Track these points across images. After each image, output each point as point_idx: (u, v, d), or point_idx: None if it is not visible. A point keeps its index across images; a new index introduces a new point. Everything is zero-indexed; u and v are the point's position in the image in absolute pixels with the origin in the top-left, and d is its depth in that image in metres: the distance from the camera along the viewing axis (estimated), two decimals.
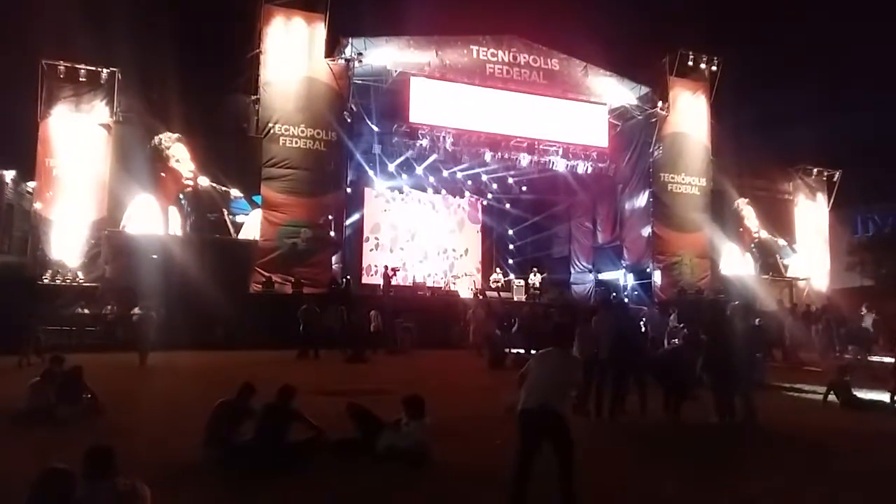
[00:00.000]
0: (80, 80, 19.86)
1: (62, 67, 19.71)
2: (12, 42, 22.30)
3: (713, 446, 8.14)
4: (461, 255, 28.44)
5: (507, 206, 29.06)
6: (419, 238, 27.61)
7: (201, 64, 21.95)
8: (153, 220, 19.80)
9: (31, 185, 21.29)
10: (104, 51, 20.35)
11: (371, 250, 26.78)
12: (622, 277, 26.17)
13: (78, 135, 19.72)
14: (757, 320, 13.07)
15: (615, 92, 25.29)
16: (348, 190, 23.01)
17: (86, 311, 17.54)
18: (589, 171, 25.04)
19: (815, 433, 8.87)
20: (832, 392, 10.96)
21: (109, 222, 19.54)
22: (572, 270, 28.87)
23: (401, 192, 26.98)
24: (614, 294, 23.67)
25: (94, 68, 19.97)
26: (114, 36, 21.04)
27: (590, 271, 28.14)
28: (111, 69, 20.05)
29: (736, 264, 26.40)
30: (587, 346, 9.64)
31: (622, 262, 26.21)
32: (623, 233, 26.34)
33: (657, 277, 24.74)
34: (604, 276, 27.33)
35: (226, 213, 20.45)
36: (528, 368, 5.45)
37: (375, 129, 23.40)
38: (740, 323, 10.20)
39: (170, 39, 22.36)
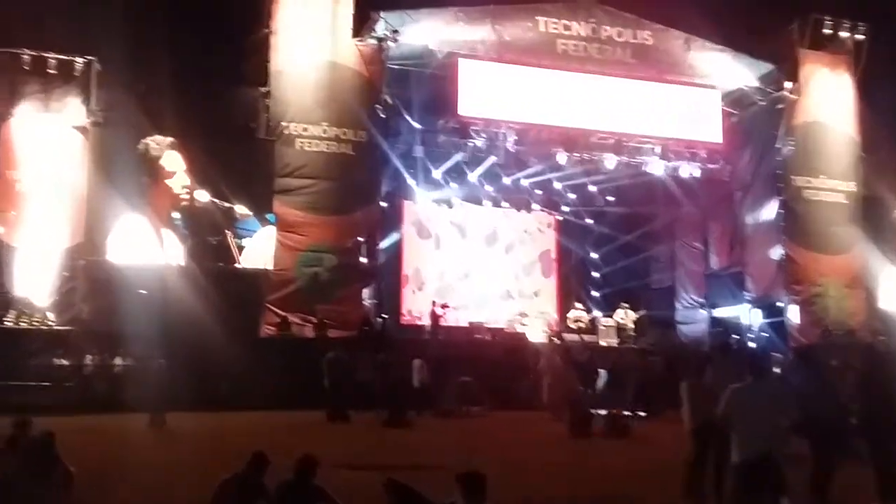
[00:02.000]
0: (49, 71, 20.43)
1: (26, 57, 20.28)
2: None
3: None
4: (529, 286, 28.44)
5: (589, 222, 29.02)
6: (474, 265, 27.73)
7: (197, 50, 22.41)
8: (142, 247, 20.41)
9: None
10: (78, 36, 21.00)
11: (414, 291, 26.91)
12: (745, 315, 25.77)
13: (47, 140, 20.39)
14: None
15: (729, 71, 25.17)
16: (383, 205, 23.23)
17: (62, 361, 18.06)
18: (697, 174, 24.87)
19: None
20: None
21: (87, 249, 20.12)
22: (678, 305, 28.48)
23: (449, 205, 27.12)
24: (736, 337, 23.28)
25: (65, 57, 20.57)
26: (90, 18, 21.84)
27: (701, 306, 27.74)
28: (87, 58, 20.65)
29: None
30: (701, 409, 9.47)
31: (745, 294, 25.86)
32: (745, 255, 26.00)
33: (793, 314, 24.38)
34: (720, 312, 26.99)
35: (230, 235, 20.98)
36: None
37: (417, 126, 23.65)
38: None
39: (158, 21, 23.15)
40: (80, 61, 20.70)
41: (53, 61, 20.50)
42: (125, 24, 21.51)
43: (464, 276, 27.55)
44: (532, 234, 29.10)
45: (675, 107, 24.52)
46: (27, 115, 20.52)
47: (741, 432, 7.47)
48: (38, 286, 19.75)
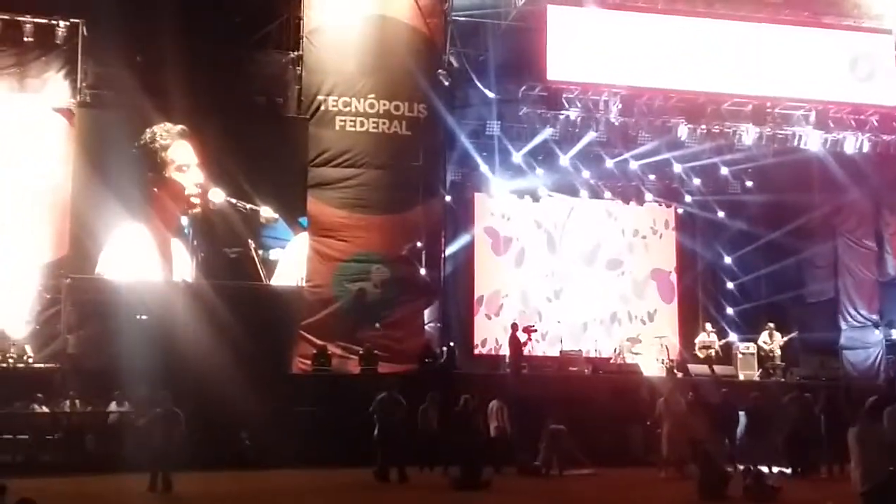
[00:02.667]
0: (25, 39, 20.72)
1: None
2: None
3: None
4: (642, 303, 28.09)
5: (721, 215, 28.46)
6: (568, 275, 27.45)
7: (210, 8, 22.67)
8: (143, 261, 20.55)
9: None
10: None
11: (490, 317, 26.62)
12: None
13: (23, 127, 20.71)
14: None
15: None
16: (448, 199, 23.43)
17: (42, 408, 18.18)
18: (866, 148, 24.41)
19: None
20: None
21: (74, 264, 20.28)
22: (843, 325, 27.63)
23: (535, 197, 26.91)
24: None
25: (45, 20, 20.79)
26: None
27: (875, 325, 26.96)
28: (72, 21, 20.85)
29: None
30: (877, 464, 9.31)
31: None
32: None
33: None
34: None
35: (252, 245, 21.03)
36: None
37: (491, 95, 23.64)
38: None
39: None
40: (63, 25, 20.91)
41: (30, 26, 20.73)
42: None
43: (555, 291, 27.30)
44: (646, 234, 28.74)
45: (834, 59, 24.03)
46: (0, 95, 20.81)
47: None
48: (12, 313, 20.03)
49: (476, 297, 26.62)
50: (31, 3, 20.88)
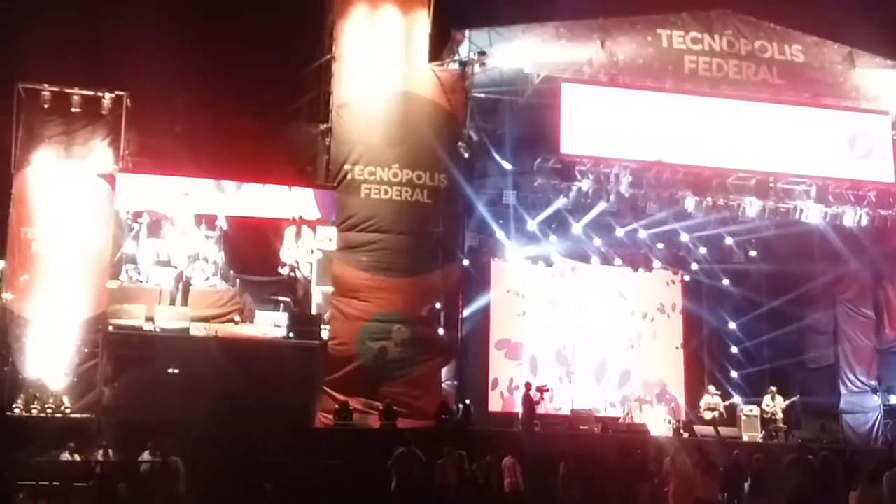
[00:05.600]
0: (73, 110, 21.02)
1: (47, 94, 20.87)
2: None
3: None
4: (648, 365, 27.94)
5: (726, 282, 28.46)
6: (579, 337, 27.41)
7: (244, 80, 23.04)
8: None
9: None
10: (107, 68, 21.91)
11: (510, 368, 26.67)
12: None
13: (69, 191, 20.89)
14: None
15: None
16: (466, 263, 23.32)
17: (75, 456, 18.05)
18: (864, 222, 24.28)
19: None
20: None
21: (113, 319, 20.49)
22: (843, 390, 27.35)
23: (549, 263, 26.93)
24: None
25: (92, 93, 21.13)
26: (120, 45, 22.60)
27: (874, 391, 26.68)
28: (116, 93, 21.17)
29: None
30: None
31: None
32: None
33: None
34: None
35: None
36: None
37: (508, 167, 23.77)
38: None
39: (200, 49, 23.77)
40: (108, 97, 21.20)
41: (77, 97, 21.08)
42: (161, 53, 22.17)
43: (566, 350, 27.25)
44: (653, 298, 28.73)
45: (834, 138, 23.98)
46: (47, 161, 21.05)
47: None
48: (53, 365, 20.11)
49: (491, 350, 26.60)
50: (79, 75, 21.29)
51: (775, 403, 24.82)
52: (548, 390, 23.26)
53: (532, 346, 27.13)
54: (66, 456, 17.86)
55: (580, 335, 27.48)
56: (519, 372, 26.29)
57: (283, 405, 19.37)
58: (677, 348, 28.51)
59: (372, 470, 17.22)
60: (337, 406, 20.18)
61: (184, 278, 21.43)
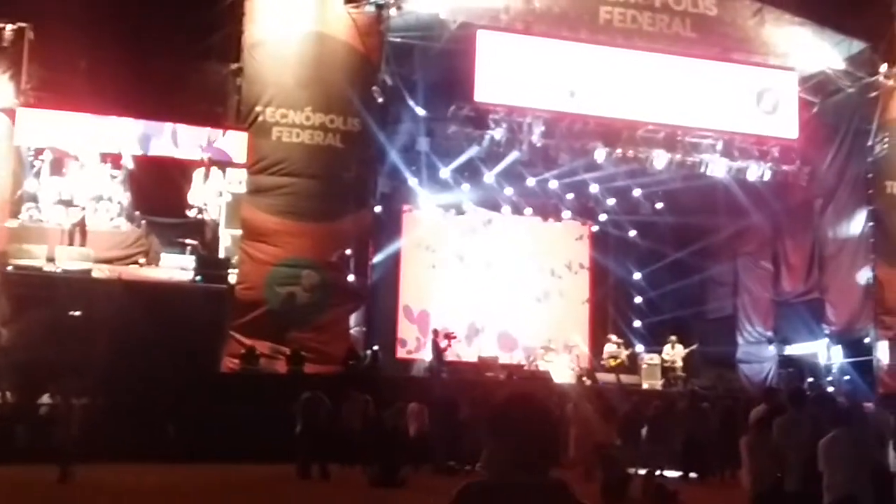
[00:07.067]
0: None
1: None
2: None
3: None
4: (554, 313, 28.14)
5: (632, 234, 28.78)
6: (487, 286, 27.44)
7: (153, 17, 22.39)
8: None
9: None
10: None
11: (413, 318, 26.54)
12: (824, 352, 25.44)
13: None
14: None
15: (809, 50, 24.76)
16: (378, 209, 23.28)
17: (4, 396, 17.93)
18: (767, 177, 24.57)
19: None
20: None
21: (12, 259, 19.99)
22: (740, 340, 28.13)
23: (460, 211, 26.95)
24: (811, 380, 22.92)
25: None
26: None
27: (769, 341, 27.36)
28: (18, 24, 20.56)
29: None
30: (764, 469, 9.68)
31: (824, 326, 25.50)
32: (825, 279, 25.65)
33: (884, 352, 23.87)
34: (793, 349, 26.65)
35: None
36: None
37: (422, 113, 23.58)
38: None
39: None
40: (9, 28, 20.58)
41: None
42: None
43: (475, 298, 27.31)
44: (561, 248, 28.93)
45: (742, 93, 24.20)
46: None
47: (832, 478, 8.30)
48: None
49: (402, 305, 26.69)
50: None
51: (675, 352, 25.38)
52: (454, 337, 23.44)
53: (442, 293, 27.23)
54: None
55: (489, 292, 27.54)
56: (429, 320, 26.43)
57: (188, 349, 19.03)
58: (583, 303, 28.81)
59: (277, 415, 17.15)
60: (243, 350, 19.93)
61: (84, 219, 20.90)
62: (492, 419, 3.65)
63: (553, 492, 3.53)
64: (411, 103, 23.34)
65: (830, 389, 22.44)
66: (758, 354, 27.62)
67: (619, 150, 23.78)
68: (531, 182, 26.16)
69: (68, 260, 20.18)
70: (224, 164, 21.39)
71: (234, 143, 21.20)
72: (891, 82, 24.70)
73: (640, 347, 26.89)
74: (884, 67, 24.60)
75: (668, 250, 28.59)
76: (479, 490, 3.49)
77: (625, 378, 24.51)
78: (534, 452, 3.49)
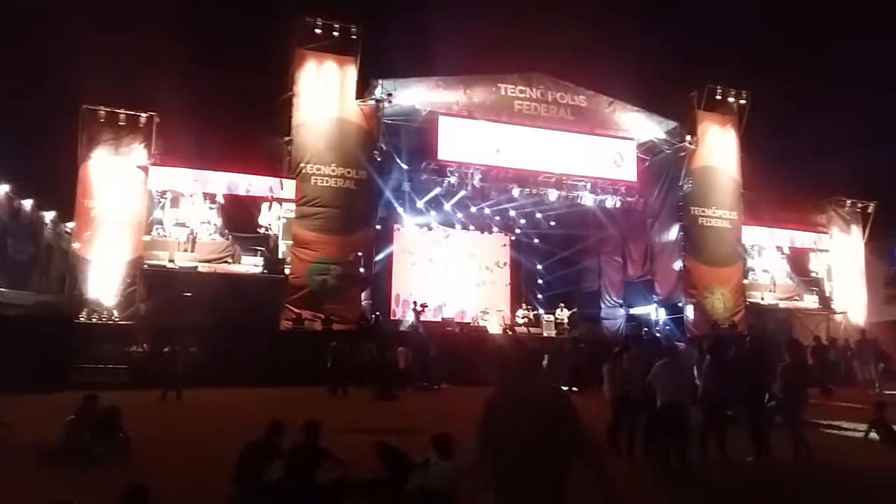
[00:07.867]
0: (120, 124, 20.20)
1: (102, 112, 20.06)
2: (54, 88, 22.98)
3: (758, 487, 7.86)
4: (489, 290, 28.14)
5: (536, 241, 28.84)
6: (447, 274, 27.45)
7: (237, 107, 22.40)
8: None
9: (69, 225, 21.72)
10: (143, 96, 20.89)
11: (400, 295, 26.57)
12: (654, 312, 25.72)
13: (116, 176, 20.08)
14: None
15: (643, 127, 25.17)
16: (378, 227, 23.09)
17: (143, 347, 17.73)
18: (618, 205, 24.79)
19: (857, 471, 8.54)
20: (873, 429, 10.64)
21: (146, 260, 19.97)
22: (603, 305, 28.45)
23: (430, 228, 26.91)
24: (646, 329, 23.15)
25: (133, 113, 20.32)
26: (152, 81, 21.66)
27: (620, 306, 27.71)
28: (150, 113, 20.42)
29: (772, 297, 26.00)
30: (618, 385, 9.71)
31: (653, 296, 25.79)
32: (654, 267, 25.96)
33: (689, 312, 24.30)
34: (635, 311, 26.90)
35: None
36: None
37: (405, 166, 23.51)
38: (788, 357, 9.84)
39: (206, 84, 22.96)
40: (143, 116, 20.44)
41: (123, 115, 20.27)
42: (180, 87, 21.42)
43: (439, 283, 27.25)
44: (492, 250, 28.87)
45: (601, 153, 24.41)
46: (101, 157, 20.13)
47: (663, 388, 8.34)
48: (106, 290, 19.45)
49: (393, 291, 26.56)
50: (125, 101, 20.46)
51: (563, 313, 25.64)
52: (426, 306, 23.33)
53: (418, 279, 27.01)
54: (138, 349, 17.93)
55: (448, 281, 27.35)
56: (410, 296, 26.06)
57: (259, 316, 19.20)
58: (506, 286, 28.65)
59: (315, 356, 17.24)
60: (294, 316, 19.91)
61: (193, 235, 20.75)
62: (497, 354, 3.73)
63: (548, 392, 3.61)
64: (398, 160, 23.30)
65: (658, 335, 23.13)
66: (613, 314, 27.96)
67: (527, 189, 23.97)
68: (473, 209, 26.14)
69: (182, 261, 20.10)
70: (281, 199, 21.23)
71: (287, 186, 21.11)
72: (692, 146, 25.15)
73: (541, 311, 26.95)
74: (688, 137, 25.13)
75: (558, 250, 28.77)
76: (498, 397, 3.54)
77: (533, 330, 24.67)
78: (524, 369, 3.64)
